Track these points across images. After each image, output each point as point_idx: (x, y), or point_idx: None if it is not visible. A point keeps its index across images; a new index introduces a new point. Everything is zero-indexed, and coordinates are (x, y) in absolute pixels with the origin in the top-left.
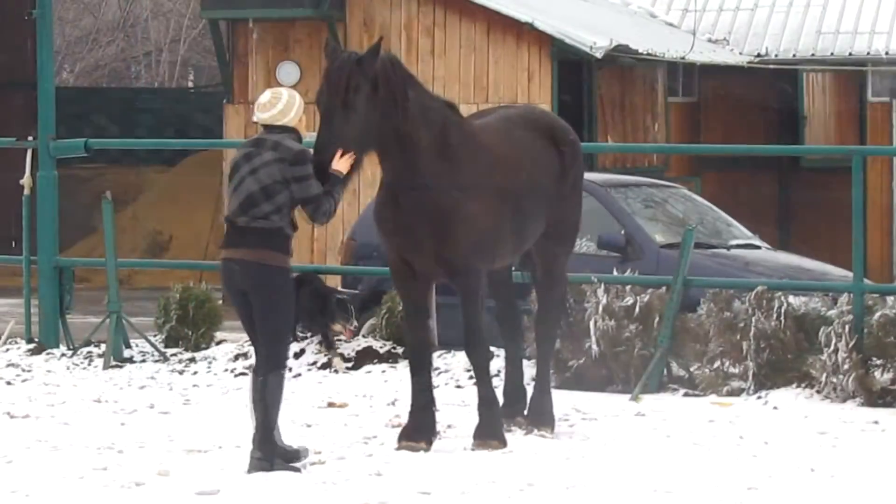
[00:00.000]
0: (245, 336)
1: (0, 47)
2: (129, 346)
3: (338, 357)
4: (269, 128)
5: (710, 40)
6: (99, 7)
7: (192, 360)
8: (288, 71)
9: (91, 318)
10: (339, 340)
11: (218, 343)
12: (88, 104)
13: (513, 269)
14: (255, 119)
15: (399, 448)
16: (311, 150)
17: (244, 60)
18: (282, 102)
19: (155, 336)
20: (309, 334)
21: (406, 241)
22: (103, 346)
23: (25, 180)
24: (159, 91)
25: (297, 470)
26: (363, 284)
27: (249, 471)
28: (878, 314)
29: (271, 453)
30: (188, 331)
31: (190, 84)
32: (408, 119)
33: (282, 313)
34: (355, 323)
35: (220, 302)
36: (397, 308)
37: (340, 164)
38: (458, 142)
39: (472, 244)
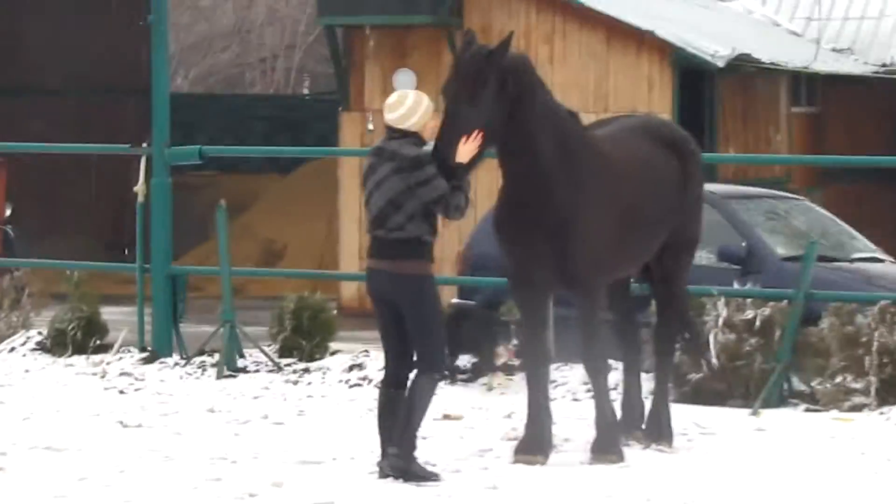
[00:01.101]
0: (360, 347)
1: (113, 53)
2: (242, 356)
3: (497, 375)
4: (391, 131)
5: (834, 49)
6: (214, 13)
7: (307, 370)
8: (404, 78)
9: (204, 328)
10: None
11: (332, 354)
12: (202, 111)
13: (632, 281)
14: (384, 120)
15: (515, 462)
16: (429, 151)
17: (360, 67)
18: (405, 105)
19: (269, 346)
20: (471, 364)
21: (525, 251)
22: (217, 356)
23: (139, 187)
24: (274, 98)
25: (424, 482)
26: (480, 296)
27: (383, 472)
28: None
29: (410, 453)
30: (302, 341)
31: (305, 91)
32: (533, 121)
33: (431, 318)
34: (515, 341)
35: (335, 312)
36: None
37: (463, 153)
38: (579, 151)
39: (592, 255)
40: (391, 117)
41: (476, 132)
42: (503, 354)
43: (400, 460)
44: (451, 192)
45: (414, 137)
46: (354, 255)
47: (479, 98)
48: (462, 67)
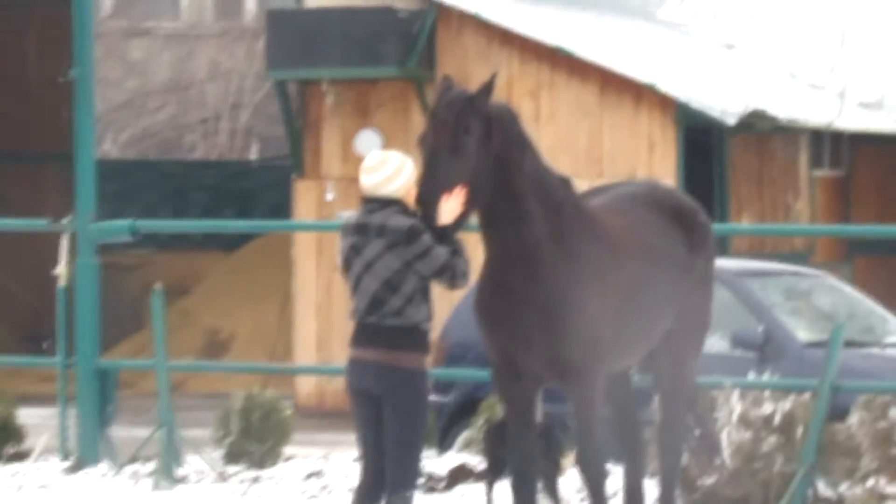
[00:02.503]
0: (319, 452)
1: (32, 113)
2: (182, 464)
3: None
4: (370, 200)
5: (861, 104)
6: (147, 67)
7: (257, 480)
8: (368, 140)
9: (138, 431)
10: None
11: (287, 460)
12: (134, 180)
13: (632, 371)
14: (360, 184)
15: None
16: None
17: (316, 128)
18: (389, 168)
19: (213, 452)
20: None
21: (511, 336)
22: (152, 464)
23: (61, 269)
24: (217, 164)
25: None
26: (456, 390)
27: None
28: None
29: None
30: (252, 446)
31: (254, 156)
32: (522, 183)
33: (417, 423)
34: None
35: (290, 411)
36: (497, 418)
37: (446, 212)
38: (573, 223)
39: (588, 342)
40: (371, 182)
41: (459, 187)
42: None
43: None
44: (452, 258)
45: (398, 205)
46: (311, 346)
47: (461, 147)
48: (440, 114)
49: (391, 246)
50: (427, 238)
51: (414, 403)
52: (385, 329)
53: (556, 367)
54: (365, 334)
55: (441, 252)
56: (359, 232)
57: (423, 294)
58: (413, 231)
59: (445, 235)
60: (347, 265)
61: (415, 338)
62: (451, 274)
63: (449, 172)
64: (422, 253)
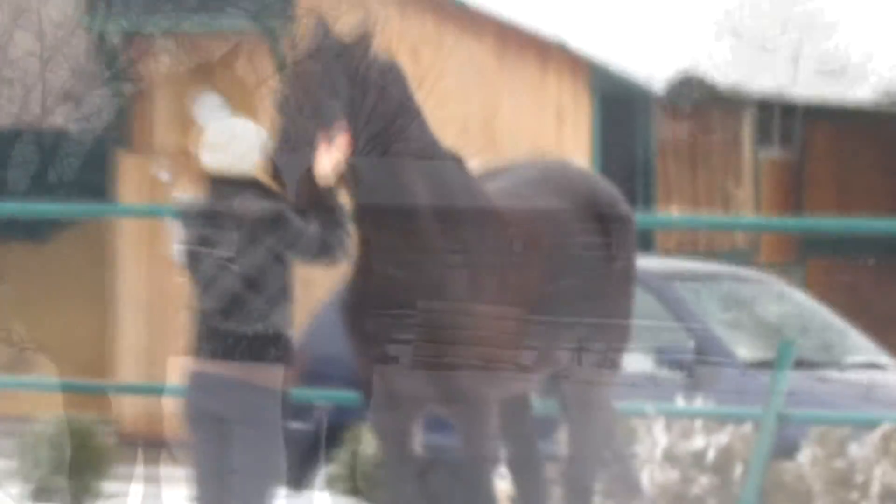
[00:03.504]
0: (148, 489)
1: None
2: None
3: None
4: (218, 182)
5: (819, 70)
6: None
7: None
8: (210, 106)
9: None
10: None
11: (107, 498)
12: None
13: (533, 396)
14: (203, 163)
15: None
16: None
17: (146, 91)
18: (240, 142)
19: (16, 488)
20: None
21: (388, 350)
22: None
23: None
24: (20, 132)
25: None
26: (315, 416)
27: None
28: None
29: None
30: (64, 481)
31: (68, 124)
32: (406, 160)
33: (272, 454)
34: None
35: (111, 440)
36: (366, 450)
37: (323, 162)
38: (465, 211)
39: (480, 358)
40: (217, 161)
41: (336, 134)
42: None
43: None
44: (328, 233)
45: (255, 187)
46: (138, 358)
47: (328, 112)
48: (304, 68)
49: (255, 240)
50: (296, 221)
51: (269, 430)
52: (239, 337)
53: (441, 389)
54: (215, 343)
55: (313, 232)
56: (209, 222)
57: (286, 294)
58: (279, 217)
59: (324, 198)
60: (192, 260)
61: (273, 348)
62: (330, 258)
63: (312, 143)
64: (292, 242)
